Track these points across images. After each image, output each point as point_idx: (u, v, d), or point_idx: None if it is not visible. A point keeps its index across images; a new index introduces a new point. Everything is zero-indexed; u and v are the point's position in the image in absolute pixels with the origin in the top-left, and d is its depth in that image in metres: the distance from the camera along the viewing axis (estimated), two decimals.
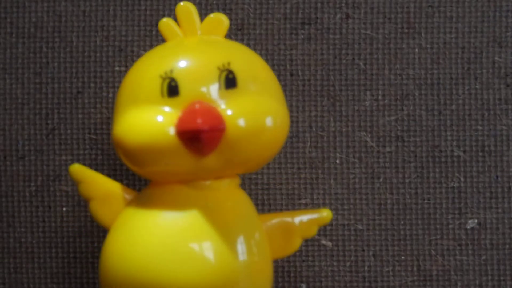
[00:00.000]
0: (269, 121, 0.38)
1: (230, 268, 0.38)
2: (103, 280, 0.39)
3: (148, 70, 0.38)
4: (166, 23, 0.40)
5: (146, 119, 0.37)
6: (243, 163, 0.38)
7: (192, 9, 0.39)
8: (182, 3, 0.40)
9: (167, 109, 0.37)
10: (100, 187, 0.40)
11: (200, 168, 0.38)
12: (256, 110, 0.37)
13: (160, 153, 0.37)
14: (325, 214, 0.41)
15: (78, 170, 0.40)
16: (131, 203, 0.40)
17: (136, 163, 0.38)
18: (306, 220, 0.41)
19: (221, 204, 0.39)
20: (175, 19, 0.40)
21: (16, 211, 0.46)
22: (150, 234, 0.38)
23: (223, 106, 0.37)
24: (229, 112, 0.37)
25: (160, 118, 0.37)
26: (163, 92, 0.38)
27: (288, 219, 0.41)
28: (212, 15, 0.40)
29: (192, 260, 0.37)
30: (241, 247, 0.38)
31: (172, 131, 0.37)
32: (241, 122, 0.37)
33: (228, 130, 0.37)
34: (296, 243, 0.41)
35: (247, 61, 0.39)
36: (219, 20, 0.40)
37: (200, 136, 0.36)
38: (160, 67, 0.38)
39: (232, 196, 0.40)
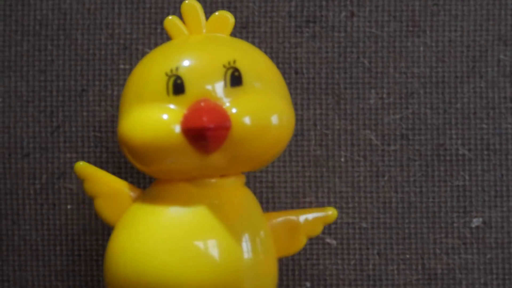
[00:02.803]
0: (274, 119, 0.38)
1: (235, 266, 0.38)
2: (108, 278, 0.39)
3: (153, 68, 0.38)
4: (171, 21, 0.40)
5: (152, 117, 0.37)
6: (249, 161, 0.38)
7: (197, 6, 0.39)
8: (187, 1, 0.40)
9: (172, 107, 0.37)
10: (105, 184, 0.40)
11: (206, 166, 0.38)
12: (262, 108, 0.37)
13: (165, 151, 0.37)
14: (330, 212, 0.41)
15: (83, 167, 0.40)
16: (136, 200, 0.40)
17: (141, 161, 0.38)
18: (311, 218, 0.41)
19: (226, 202, 0.39)
20: (180, 17, 0.40)
21: (21, 208, 0.46)
22: (155, 232, 0.38)
23: (228, 104, 0.37)
24: (234, 110, 0.37)
25: (165, 116, 0.37)
26: (168, 90, 0.38)
27: (293, 217, 0.41)
28: (217, 13, 0.40)
29: (197, 258, 0.37)
30: (246, 245, 0.38)
31: (177, 129, 0.37)
32: (247, 120, 0.37)
33: (234, 128, 0.37)
34: (301, 242, 0.41)
35: (252, 59, 0.39)
36: (225, 18, 0.40)
37: (205, 134, 0.36)
38: (165, 65, 0.38)
39: (237, 194, 0.40)
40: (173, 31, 0.40)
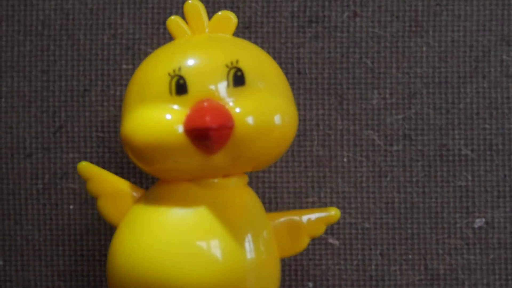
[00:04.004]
0: (277, 119, 0.38)
1: (238, 266, 0.38)
2: (111, 278, 0.39)
3: (156, 68, 0.38)
4: (174, 21, 0.40)
5: (155, 117, 0.37)
6: (251, 161, 0.38)
7: (200, 7, 0.39)
8: (190, 1, 0.40)
9: (175, 107, 0.37)
10: (108, 184, 0.40)
11: (208, 166, 0.38)
12: (265, 108, 0.37)
13: (168, 151, 0.37)
14: (333, 212, 0.41)
15: (86, 167, 0.40)
16: (139, 201, 0.40)
17: (144, 161, 0.38)
18: (314, 218, 0.41)
19: (229, 202, 0.39)
20: (183, 17, 0.40)
21: (23, 208, 0.46)
22: (158, 232, 0.38)
23: (231, 103, 0.37)
24: (237, 110, 0.37)
25: (168, 116, 0.37)
26: (171, 90, 0.38)
27: (296, 217, 0.41)
28: (220, 13, 0.40)
29: (200, 258, 0.37)
30: (249, 245, 0.38)
31: (180, 129, 0.37)
32: (250, 120, 0.37)
33: (237, 128, 0.37)
34: (304, 242, 0.41)
35: (255, 59, 0.39)
36: (227, 18, 0.40)
37: (208, 134, 0.36)
38: (168, 65, 0.38)
39: (240, 194, 0.40)
40: (175, 31, 0.40)
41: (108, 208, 0.40)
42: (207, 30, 0.40)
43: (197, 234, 0.38)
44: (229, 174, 0.39)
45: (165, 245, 0.38)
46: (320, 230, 0.41)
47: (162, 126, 0.37)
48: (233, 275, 0.38)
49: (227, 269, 0.38)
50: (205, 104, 0.37)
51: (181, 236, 0.38)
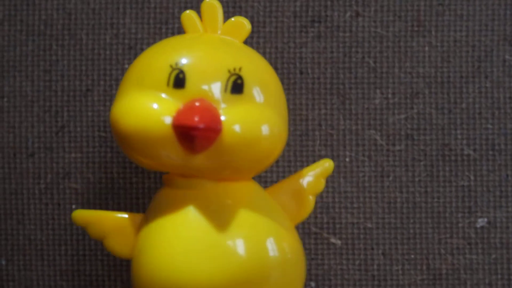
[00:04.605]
0: (265, 131, 0.37)
1: (261, 262, 0.38)
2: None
3: (160, 57, 0.38)
4: (188, 15, 0.39)
5: (145, 104, 0.37)
6: (235, 168, 0.38)
7: (217, 6, 0.39)
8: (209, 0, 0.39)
9: (168, 98, 0.37)
10: (108, 224, 0.40)
11: (189, 165, 0.38)
12: (254, 120, 0.37)
13: (151, 140, 0.37)
14: (327, 164, 0.41)
15: (81, 214, 0.40)
16: (144, 222, 0.40)
17: (128, 146, 0.38)
18: (312, 177, 0.41)
19: (238, 200, 0.39)
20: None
21: (26, 208, 0.46)
22: (176, 239, 0.38)
23: (224, 108, 0.37)
24: (228, 117, 0.37)
25: (158, 106, 0.37)
26: (169, 81, 0.38)
27: (295, 182, 0.41)
28: (233, 19, 0.40)
29: (222, 257, 0.37)
30: (270, 243, 0.38)
31: (167, 120, 0.37)
32: (237, 128, 0.37)
33: (224, 134, 0.37)
34: (310, 203, 0.41)
35: (258, 71, 0.39)
36: (241, 24, 0.39)
37: (193, 133, 0.36)
38: (172, 56, 0.38)
39: (247, 189, 0.39)
40: (188, 25, 0.39)
41: (116, 245, 0.40)
42: (219, 31, 0.40)
43: (214, 235, 0.38)
44: (234, 179, 0.39)
45: (188, 252, 0.37)
46: (321, 185, 0.41)
47: (149, 114, 0.37)
48: (256, 273, 0.38)
49: (251, 266, 0.38)
50: (197, 103, 0.37)
51: (200, 239, 0.37)
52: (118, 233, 0.40)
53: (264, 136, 0.37)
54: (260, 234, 0.38)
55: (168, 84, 0.38)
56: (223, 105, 0.37)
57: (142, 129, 0.37)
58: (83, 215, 0.40)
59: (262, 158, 0.38)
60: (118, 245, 0.40)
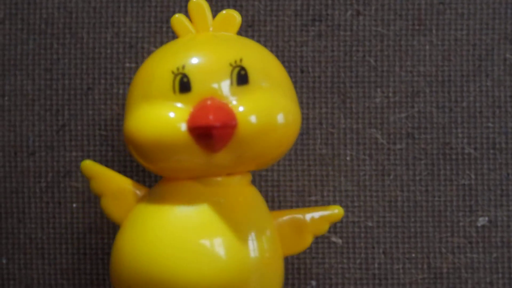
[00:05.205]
0: (280, 118, 0.38)
1: (242, 264, 0.38)
2: (115, 276, 0.39)
3: (160, 66, 0.38)
4: (178, 19, 0.40)
5: (158, 115, 0.37)
6: (254, 159, 0.38)
7: (204, 5, 0.39)
8: None
9: (178, 105, 0.37)
10: (111, 183, 0.40)
11: (212, 165, 0.38)
12: (268, 107, 0.37)
13: (171, 149, 0.37)
14: (337, 211, 0.41)
15: (90, 166, 0.40)
16: (142, 199, 0.40)
17: (147, 159, 0.38)
18: (318, 217, 0.41)
19: (232, 200, 0.39)
20: (187, 15, 0.40)
21: (27, 207, 0.46)
22: (161, 230, 0.38)
23: (234, 102, 0.37)
24: (240, 109, 0.37)
25: (171, 114, 0.37)
26: (175, 88, 0.38)
27: (300, 216, 0.41)
28: (224, 12, 0.40)
29: (204, 256, 0.37)
30: (252, 243, 0.38)
31: (183, 127, 0.37)
32: (253, 118, 0.37)
33: (240, 127, 0.37)
34: (307, 240, 0.41)
35: (259, 58, 0.39)
36: (231, 17, 0.40)
37: (211, 132, 0.36)
38: (172, 63, 0.38)
39: (243, 192, 0.40)
40: (179, 29, 0.40)
41: (111, 206, 0.40)
42: (211, 28, 0.40)
43: (201, 232, 0.38)
44: (232, 173, 0.39)
45: (169, 243, 0.38)
46: (324, 228, 0.41)
47: (165, 124, 0.37)
48: (236, 274, 0.38)
49: (231, 268, 0.38)
50: (209, 102, 0.37)
51: (185, 234, 0.38)
52: (117, 196, 0.40)
53: (279, 120, 0.38)
54: (242, 236, 0.38)
55: (174, 90, 0.38)
56: (232, 99, 0.37)
57: (161, 140, 0.37)
58: (91, 168, 0.40)
59: (281, 140, 0.38)
60: (113, 207, 0.40)
